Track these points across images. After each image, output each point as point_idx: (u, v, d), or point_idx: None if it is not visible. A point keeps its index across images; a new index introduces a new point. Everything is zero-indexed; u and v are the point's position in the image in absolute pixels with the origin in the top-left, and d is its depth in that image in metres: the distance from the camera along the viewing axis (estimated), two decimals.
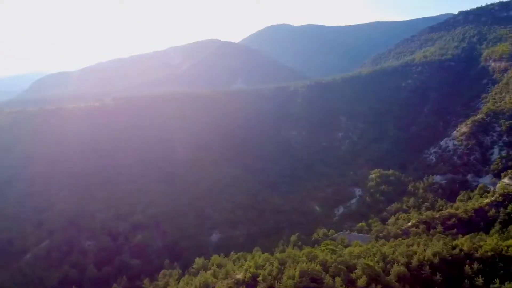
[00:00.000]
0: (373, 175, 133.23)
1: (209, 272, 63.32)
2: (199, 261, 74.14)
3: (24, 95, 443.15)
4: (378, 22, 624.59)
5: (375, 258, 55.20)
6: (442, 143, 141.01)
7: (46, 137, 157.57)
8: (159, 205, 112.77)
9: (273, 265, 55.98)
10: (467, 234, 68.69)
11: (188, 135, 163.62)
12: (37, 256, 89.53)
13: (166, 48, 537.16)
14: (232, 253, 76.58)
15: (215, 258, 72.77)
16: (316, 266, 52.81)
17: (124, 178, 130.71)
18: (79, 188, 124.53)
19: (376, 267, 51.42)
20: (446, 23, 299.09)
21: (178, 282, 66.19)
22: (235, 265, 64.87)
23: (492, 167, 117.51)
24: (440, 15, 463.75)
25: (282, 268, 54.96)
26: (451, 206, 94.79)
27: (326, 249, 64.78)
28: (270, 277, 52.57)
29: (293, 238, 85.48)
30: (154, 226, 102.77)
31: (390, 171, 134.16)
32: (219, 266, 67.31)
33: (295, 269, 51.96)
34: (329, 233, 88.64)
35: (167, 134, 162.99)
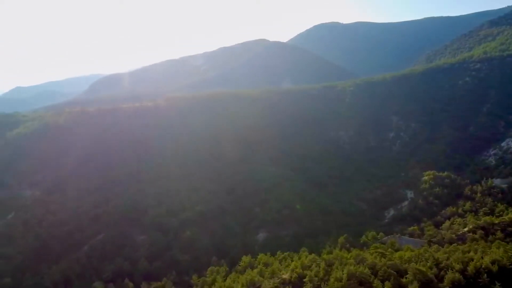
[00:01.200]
0: (426, 177, 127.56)
1: (255, 270, 63.61)
2: (245, 259, 74.74)
3: (83, 96, 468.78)
4: (433, 18, 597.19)
5: (428, 264, 52.72)
6: (503, 144, 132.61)
7: (103, 135, 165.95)
8: (207, 203, 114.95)
9: (320, 266, 55.23)
10: None
11: (235, 135, 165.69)
12: (94, 248, 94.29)
13: (215, 48, 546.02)
14: (278, 252, 76.44)
15: (262, 257, 73.03)
16: (365, 269, 51.40)
17: (174, 176, 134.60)
18: (132, 184, 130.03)
19: (428, 273, 49.11)
20: (508, 17, 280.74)
21: (225, 279, 67.06)
22: (281, 265, 64.75)
23: None
24: (501, 9, 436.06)
25: (329, 270, 54.04)
26: None
27: (375, 252, 62.86)
28: (316, 278, 51.88)
29: (341, 239, 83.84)
30: (202, 223, 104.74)
31: (445, 173, 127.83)
32: (266, 265, 67.46)
33: (342, 271, 50.89)
34: (378, 236, 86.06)
35: (215, 133, 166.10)
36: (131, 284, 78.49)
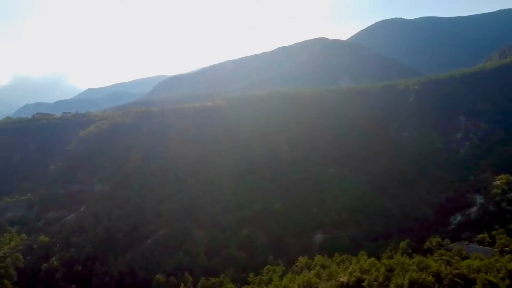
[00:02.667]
0: (499, 182, 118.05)
1: (312, 272, 63.03)
2: (302, 259, 74.32)
3: (147, 96, 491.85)
4: (509, 10, 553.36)
5: (499, 275, 48.99)
6: None
7: (166, 134, 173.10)
8: (264, 202, 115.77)
9: (379, 271, 53.48)
10: None
11: (293, 134, 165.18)
12: (156, 242, 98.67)
13: (274, 48, 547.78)
14: (336, 254, 75.12)
15: (319, 258, 72.22)
16: (428, 276, 48.94)
17: (232, 174, 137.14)
18: (192, 182, 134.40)
19: (500, 284, 45.67)
20: None
21: (282, 279, 67.09)
22: (339, 268, 63.54)
23: None
24: None
25: (389, 275, 52.15)
26: None
27: (440, 259, 59.68)
28: (376, 283, 50.32)
29: (402, 244, 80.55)
30: (259, 222, 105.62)
31: None
32: (323, 266, 66.58)
33: (404, 277, 48.86)
34: (443, 242, 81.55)
35: (273, 133, 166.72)
36: (190, 278, 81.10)
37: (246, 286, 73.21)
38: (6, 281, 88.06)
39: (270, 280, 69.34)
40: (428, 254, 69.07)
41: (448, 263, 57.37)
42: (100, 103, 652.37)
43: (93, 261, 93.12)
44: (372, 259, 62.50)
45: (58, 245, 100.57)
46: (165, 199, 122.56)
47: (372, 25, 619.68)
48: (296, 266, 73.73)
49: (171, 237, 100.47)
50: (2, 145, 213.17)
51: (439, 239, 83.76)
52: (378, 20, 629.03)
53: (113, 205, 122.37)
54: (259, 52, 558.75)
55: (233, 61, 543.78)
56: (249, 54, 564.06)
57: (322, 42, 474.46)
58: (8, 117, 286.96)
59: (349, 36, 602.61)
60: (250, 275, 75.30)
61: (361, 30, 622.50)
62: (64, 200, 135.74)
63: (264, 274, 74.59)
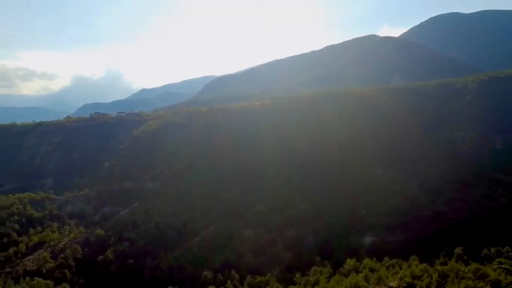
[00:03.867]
0: None
1: (360, 275, 61.59)
2: (350, 262, 72.87)
3: (197, 96, 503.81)
4: None
5: None
6: None
7: (214, 133, 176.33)
8: (311, 202, 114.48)
9: (432, 278, 51.25)
10: None
11: (341, 135, 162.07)
12: (204, 239, 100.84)
13: (322, 47, 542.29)
14: (385, 258, 72.86)
15: (367, 261, 70.44)
16: (486, 286, 46.18)
17: (278, 174, 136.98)
18: (239, 180, 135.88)
19: None
20: None
21: (328, 281, 66.17)
22: (388, 272, 61.65)
23: None
24: None
25: (443, 282, 49.85)
26: None
27: (499, 268, 56.07)
28: None
29: (457, 250, 76.50)
30: (305, 222, 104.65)
31: None
32: (371, 270, 64.84)
33: (458, 285, 46.48)
34: (504, 250, 76.48)
35: (321, 133, 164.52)
36: (237, 276, 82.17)
37: (292, 286, 72.88)
38: (66, 270, 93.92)
39: (317, 282, 68.61)
40: (485, 262, 65.14)
41: (508, 272, 53.80)
42: (152, 103, 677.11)
43: (144, 255, 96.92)
44: (424, 264, 60.00)
45: (112, 238, 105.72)
46: (212, 197, 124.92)
47: (426, 20, 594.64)
48: (344, 268, 72.35)
49: (218, 234, 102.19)
50: (63, 143, 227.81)
51: (498, 246, 78.69)
52: (433, 15, 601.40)
53: (164, 202, 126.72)
54: (307, 51, 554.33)
55: (281, 61, 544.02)
56: (297, 53, 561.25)
57: (372, 40, 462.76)
58: (68, 117, 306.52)
59: (401, 33, 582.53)
60: (297, 275, 74.96)
61: (414, 26, 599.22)
62: (118, 196, 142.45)
63: (310, 275, 73.94)
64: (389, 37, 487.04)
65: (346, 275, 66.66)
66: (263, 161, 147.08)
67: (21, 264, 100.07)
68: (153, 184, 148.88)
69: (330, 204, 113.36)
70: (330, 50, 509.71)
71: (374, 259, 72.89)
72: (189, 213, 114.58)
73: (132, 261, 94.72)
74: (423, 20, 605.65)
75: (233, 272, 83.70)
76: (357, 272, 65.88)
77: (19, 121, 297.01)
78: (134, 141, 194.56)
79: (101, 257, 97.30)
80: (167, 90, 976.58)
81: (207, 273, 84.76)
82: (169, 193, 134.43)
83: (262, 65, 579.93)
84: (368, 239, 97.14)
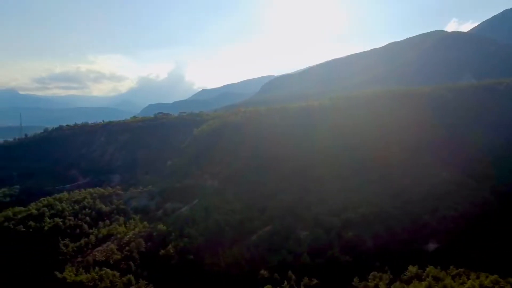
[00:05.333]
0: None
1: (423, 283, 58.98)
2: (412, 269, 69.93)
3: (255, 97, 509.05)
4: None
5: None
6: None
7: (272, 133, 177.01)
8: (371, 205, 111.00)
9: None
10: None
11: (403, 136, 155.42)
12: (261, 238, 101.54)
13: (385, 44, 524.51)
14: (451, 267, 68.90)
15: (431, 269, 67.17)
16: None
17: (337, 175, 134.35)
18: (296, 181, 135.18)
19: None
20: None
21: (389, 287, 63.91)
22: (454, 281, 58.33)
23: None
24: None
25: None
26: None
27: None
28: None
29: None
30: (365, 226, 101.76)
31: None
32: (435, 279, 61.80)
33: None
34: None
35: (382, 134, 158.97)
36: (293, 276, 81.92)
37: None
38: (131, 262, 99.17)
39: (376, 287, 66.52)
40: None
41: None
42: (211, 103, 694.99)
43: (203, 251, 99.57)
44: (495, 276, 55.93)
45: (173, 234, 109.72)
46: (270, 196, 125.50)
47: (499, 13, 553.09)
48: (405, 275, 69.47)
49: (275, 234, 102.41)
50: (129, 142, 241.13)
51: None
52: (508, 7, 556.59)
53: (222, 200, 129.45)
54: (368, 48, 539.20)
55: (340, 60, 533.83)
56: (357, 51, 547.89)
57: (438, 35, 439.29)
58: (134, 116, 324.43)
59: (471, 28, 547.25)
60: (355, 279, 73.19)
61: (486, 20, 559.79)
62: (179, 193, 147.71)
63: (369, 280, 71.88)
64: (458, 32, 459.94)
65: (408, 282, 64.10)
66: (321, 162, 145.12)
67: (91, 255, 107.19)
68: (212, 182, 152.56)
69: (391, 208, 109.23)
70: (392, 47, 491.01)
71: (439, 267, 69.18)
72: (247, 212, 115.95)
73: (191, 256, 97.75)
74: (495, 13, 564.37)
75: (290, 272, 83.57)
76: (420, 279, 62.99)
77: (90, 120, 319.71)
78: (194, 140, 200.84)
79: (163, 251, 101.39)
80: (226, 91, 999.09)
81: (264, 272, 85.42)
82: (228, 192, 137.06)
83: (321, 64, 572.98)
84: (432, 246, 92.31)
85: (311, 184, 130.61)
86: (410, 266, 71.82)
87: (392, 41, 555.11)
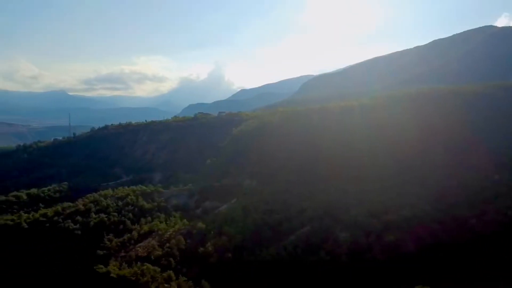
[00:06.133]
0: None
1: None
2: None
3: (294, 96, 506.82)
4: None
5: None
6: None
7: (310, 133, 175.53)
8: (412, 208, 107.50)
9: None
10: None
11: (448, 136, 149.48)
12: (299, 238, 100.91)
13: (428, 41, 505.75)
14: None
15: None
16: None
17: (376, 176, 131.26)
18: (335, 181, 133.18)
19: None
20: None
21: None
22: None
23: None
24: None
25: None
26: None
27: None
28: None
29: None
30: (406, 229, 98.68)
31: None
32: None
33: None
34: None
35: (425, 134, 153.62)
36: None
37: None
38: (171, 258, 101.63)
39: None
40: None
41: None
42: (250, 102, 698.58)
43: (240, 250, 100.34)
44: None
45: (212, 232, 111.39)
46: (308, 197, 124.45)
47: None
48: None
49: (313, 235, 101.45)
50: (170, 141, 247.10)
51: None
52: None
53: (260, 199, 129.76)
54: (412, 46, 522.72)
55: (381, 58, 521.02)
56: (399, 49, 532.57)
57: (487, 31, 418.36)
58: (175, 116, 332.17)
59: None
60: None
61: None
62: (218, 191, 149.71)
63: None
64: (510, 27, 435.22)
65: None
66: (361, 163, 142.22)
67: (133, 250, 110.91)
68: (250, 181, 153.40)
69: (435, 211, 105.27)
70: (436, 44, 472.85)
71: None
72: (285, 212, 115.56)
73: (229, 255, 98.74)
74: None
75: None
76: None
77: (133, 120, 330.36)
78: (232, 140, 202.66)
79: (202, 249, 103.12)
80: (265, 90, 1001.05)
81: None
82: (266, 191, 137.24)
83: (361, 63, 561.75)
84: (479, 251, 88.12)
85: (350, 185, 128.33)
86: None
87: (436, 38, 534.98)
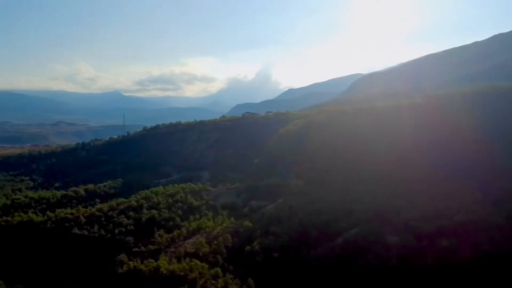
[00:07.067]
0: None
1: None
2: None
3: (343, 96, 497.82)
4: None
5: None
6: None
7: (359, 133, 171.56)
8: (468, 212, 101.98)
9: None
10: None
11: (509, 137, 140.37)
12: (347, 240, 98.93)
13: (487, 37, 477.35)
14: None
15: None
16: None
17: (429, 178, 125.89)
18: (383, 183, 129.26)
19: None
20: None
21: None
22: None
23: None
24: None
25: None
26: None
27: None
28: None
29: None
30: (462, 235, 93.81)
31: None
32: None
33: None
34: None
35: (483, 134, 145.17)
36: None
37: None
38: (218, 256, 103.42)
39: None
40: None
41: None
42: (298, 102, 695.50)
43: (287, 250, 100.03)
44: None
45: (258, 231, 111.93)
46: (356, 198, 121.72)
47: None
48: None
49: (362, 237, 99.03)
50: (218, 140, 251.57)
51: None
52: None
53: (307, 200, 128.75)
54: (469, 42, 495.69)
55: (435, 55, 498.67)
56: (456, 45, 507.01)
57: None
58: (223, 116, 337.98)
59: None
60: None
61: None
62: (264, 191, 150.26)
63: None
64: None
65: None
66: (412, 164, 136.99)
67: (182, 246, 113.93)
68: (297, 181, 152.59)
69: (494, 216, 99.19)
70: (498, 39, 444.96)
71: None
72: (332, 213, 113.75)
73: (276, 254, 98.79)
74: None
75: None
76: None
77: (183, 120, 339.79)
78: (280, 139, 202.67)
79: (248, 247, 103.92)
80: (312, 90, 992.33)
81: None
82: (312, 192, 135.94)
83: (413, 60, 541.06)
84: None
85: (400, 187, 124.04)
86: None
87: (498, 32, 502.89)
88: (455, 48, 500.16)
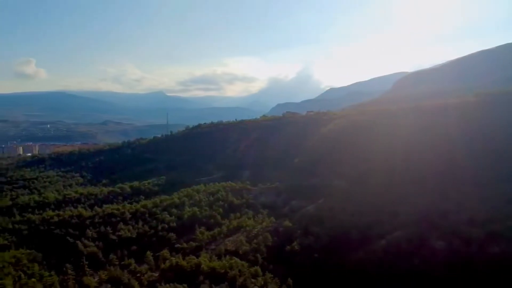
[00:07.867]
0: None
1: None
2: None
3: (386, 95, 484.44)
4: None
5: None
6: None
7: (405, 133, 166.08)
8: None
9: None
10: None
11: None
12: (390, 243, 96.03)
13: None
14: None
15: None
16: None
17: (480, 180, 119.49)
18: (430, 185, 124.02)
19: None
20: None
21: None
22: None
23: None
24: None
25: None
26: None
27: None
28: None
29: None
30: None
31: None
32: None
33: None
34: None
35: None
36: None
37: None
38: (258, 255, 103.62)
39: None
40: None
41: None
42: (339, 101, 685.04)
43: (327, 251, 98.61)
44: None
45: (298, 231, 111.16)
46: (401, 200, 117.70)
47: None
48: None
49: (406, 240, 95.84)
50: (259, 140, 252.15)
51: None
52: None
53: (349, 200, 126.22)
54: None
55: (487, 51, 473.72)
56: (508, 42, 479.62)
57: None
58: (264, 115, 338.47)
59: None
60: None
61: None
62: (305, 191, 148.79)
63: None
64: None
65: None
66: (461, 165, 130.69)
67: (223, 244, 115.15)
68: (339, 182, 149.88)
69: None
70: None
71: None
72: (375, 215, 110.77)
73: (316, 255, 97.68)
74: None
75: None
76: None
77: (224, 119, 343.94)
78: (320, 139, 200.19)
79: (288, 247, 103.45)
80: (354, 89, 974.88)
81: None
82: (355, 193, 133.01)
83: (462, 57, 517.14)
84: None
85: (448, 189, 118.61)
86: None
87: None
88: (507, 44, 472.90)
